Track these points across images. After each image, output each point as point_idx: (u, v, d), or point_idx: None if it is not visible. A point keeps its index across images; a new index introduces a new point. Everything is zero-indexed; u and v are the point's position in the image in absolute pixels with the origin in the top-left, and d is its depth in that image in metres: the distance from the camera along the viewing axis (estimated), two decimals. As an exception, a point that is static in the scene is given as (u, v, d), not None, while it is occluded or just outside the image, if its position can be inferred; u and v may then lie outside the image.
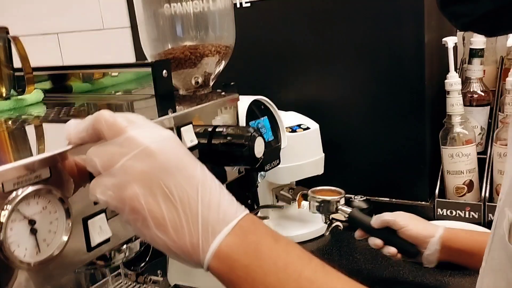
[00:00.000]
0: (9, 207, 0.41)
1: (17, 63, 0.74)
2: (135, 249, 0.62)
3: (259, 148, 0.65)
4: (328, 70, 1.19)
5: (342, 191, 0.95)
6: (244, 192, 0.95)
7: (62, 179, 0.46)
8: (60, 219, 0.45)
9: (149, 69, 0.73)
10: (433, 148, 1.15)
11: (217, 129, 0.64)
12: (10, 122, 0.64)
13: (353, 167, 1.20)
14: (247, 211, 0.43)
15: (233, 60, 0.89)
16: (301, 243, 1.05)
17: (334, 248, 1.06)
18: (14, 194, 0.42)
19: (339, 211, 0.91)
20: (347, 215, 0.90)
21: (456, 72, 1.13)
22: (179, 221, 0.40)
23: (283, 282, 0.40)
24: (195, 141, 0.62)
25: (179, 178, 0.41)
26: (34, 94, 0.75)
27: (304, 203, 1.22)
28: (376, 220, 0.85)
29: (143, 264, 0.68)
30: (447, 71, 1.12)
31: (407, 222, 0.83)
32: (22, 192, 0.42)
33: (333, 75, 1.19)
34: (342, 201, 0.92)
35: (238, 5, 1.24)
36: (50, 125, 0.64)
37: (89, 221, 0.47)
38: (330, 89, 1.20)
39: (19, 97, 0.75)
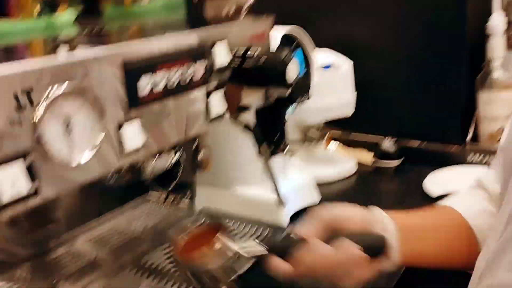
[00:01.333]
0: (45, 104, 0.42)
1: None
2: (166, 163, 0.63)
3: (292, 72, 0.64)
4: (366, 8, 1.14)
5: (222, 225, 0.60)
6: (273, 127, 0.94)
7: (97, 81, 0.45)
8: (95, 120, 0.45)
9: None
10: (469, 93, 1.11)
11: (249, 51, 0.63)
12: (43, 39, 0.64)
13: (384, 107, 1.17)
14: None
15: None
16: (327, 184, 1.05)
17: (359, 189, 1.06)
18: (49, 91, 0.42)
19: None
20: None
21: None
22: None
23: None
24: (228, 60, 0.61)
25: None
26: (66, 14, 0.75)
27: (332, 144, 1.22)
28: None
29: (173, 182, 0.69)
30: (490, 13, 1.07)
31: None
32: (58, 90, 0.42)
33: (371, 13, 1.14)
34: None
35: None
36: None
37: (123, 126, 0.47)
38: (367, 27, 1.16)
39: (51, 16, 0.74)
